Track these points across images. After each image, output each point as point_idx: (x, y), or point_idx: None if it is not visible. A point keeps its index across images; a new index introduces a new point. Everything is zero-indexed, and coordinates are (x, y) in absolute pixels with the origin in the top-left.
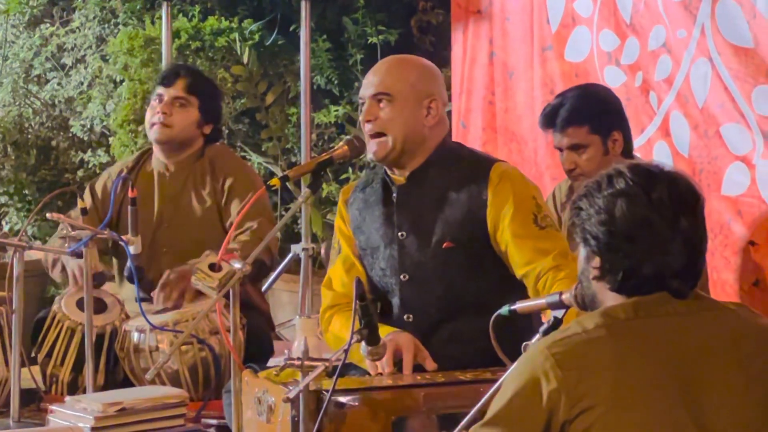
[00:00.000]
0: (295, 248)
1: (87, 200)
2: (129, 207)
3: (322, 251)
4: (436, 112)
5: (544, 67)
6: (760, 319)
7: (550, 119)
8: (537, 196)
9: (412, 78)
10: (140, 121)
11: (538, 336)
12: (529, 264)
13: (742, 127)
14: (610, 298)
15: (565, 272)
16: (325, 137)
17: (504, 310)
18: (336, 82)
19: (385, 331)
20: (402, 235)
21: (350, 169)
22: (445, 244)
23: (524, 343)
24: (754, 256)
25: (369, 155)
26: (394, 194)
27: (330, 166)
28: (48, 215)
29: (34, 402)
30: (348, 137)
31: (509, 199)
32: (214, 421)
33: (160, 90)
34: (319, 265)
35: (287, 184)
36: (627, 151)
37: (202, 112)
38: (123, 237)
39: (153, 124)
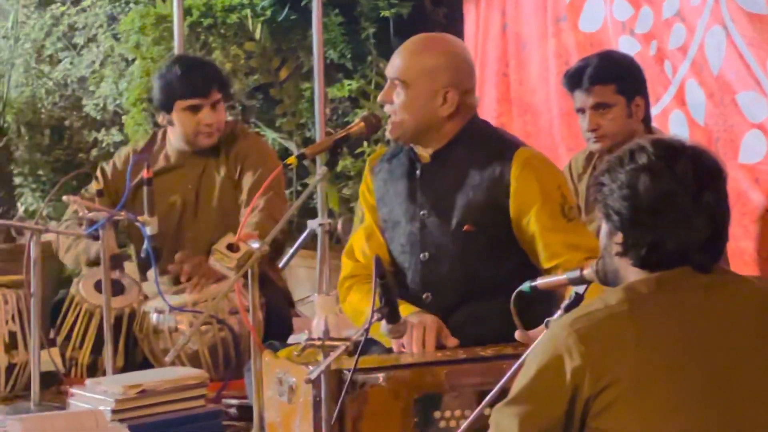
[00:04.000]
0: (312, 224)
1: (100, 182)
2: (145, 187)
3: (339, 226)
4: (453, 101)
5: (558, 38)
6: None
7: (575, 79)
8: (562, 185)
9: (430, 65)
10: None
11: (560, 312)
12: (558, 257)
13: (758, 94)
14: (632, 274)
15: None
16: (339, 111)
17: (525, 286)
18: (349, 56)
19: (406, 311)
20: (424, 214)
21: (365, 143)
22: (465, 227)
23: (546, 319)
24: None
25: (387, 133)
26: (418, 171)
27: (346, 143)
28: (64, 198)
29: (54, 385)
30: (364, 114)
31: (535, 189)
32: (235, 401)
33: (193, 101)
34: (336, 241)
35: (303, 161)
36: (647, 119)
37: (226, 101)
38: (139, 218)
39: (198, 134)
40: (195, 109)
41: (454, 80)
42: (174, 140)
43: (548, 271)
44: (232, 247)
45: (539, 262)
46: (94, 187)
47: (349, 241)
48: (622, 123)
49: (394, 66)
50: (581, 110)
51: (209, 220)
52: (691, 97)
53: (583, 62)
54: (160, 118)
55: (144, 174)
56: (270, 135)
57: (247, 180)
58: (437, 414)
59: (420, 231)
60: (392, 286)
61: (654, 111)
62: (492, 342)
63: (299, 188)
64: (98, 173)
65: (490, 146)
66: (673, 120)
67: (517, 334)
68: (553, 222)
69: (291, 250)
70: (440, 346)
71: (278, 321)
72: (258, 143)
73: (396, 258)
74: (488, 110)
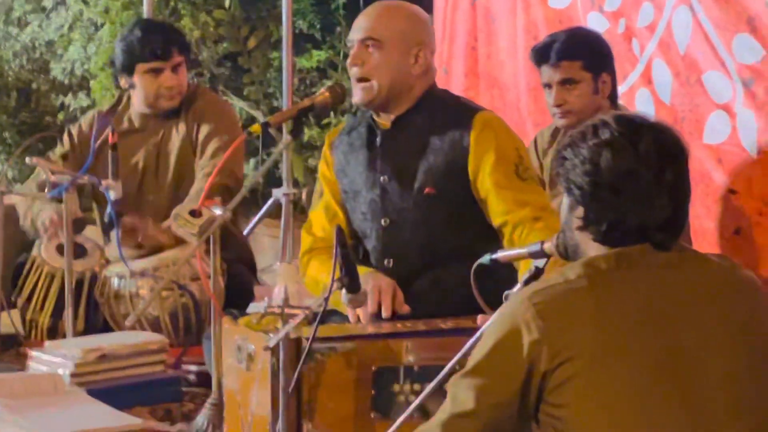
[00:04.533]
0: (276, 193)
1: (66, 145)
2: (109, 151)
3: (303, 196)
4: (423, 60)
5: (527, 13)
6: (741, 271)
7: (543, 54)
8: (520, 148)
9: (401, 25)
10: None
11: (519, 285)
12: (507, 214)
13: (723, 75)
14: (592, 249)
15: (544, 223)
16: (307, 82)
17: (485, 258)
18: (318, 26)
19: (362, 271)
20: (384, 179)
21: (332, 114)
22: (426, 190)
23: (505, 292)
24: (734, 204)
25: (354, 99)
26: (378, 138)
27: (311, 113)
28: (27, 160)
29: (14, 347)
30: (330, 84)
31: (491, 147)
32: (194, 368)
33: (155, 64)
34: (301, 210)
35: (269, 129)
36: (613, 96)
37: (189, 65)
38: (103, 182)
39: (160, 97)
40: (156, 72)
41: (423, 39)
42: (137, 103)
43: (498, 229)
44: (194, 213)
45: (492, 221)
46: (59, 150)
47: (308, 217)
48: (588, 99)
49: (363, 27)
50: (548, 85)
51: (169, 181)
52: (657, 75)
53: (551, 38)
54: (122, 81)
55: (109, 139)
56: (237, 104)
57: (204, 133)
58: (396, 387)
59: (380, 197)
60: (353, 255)
61: (621, 89)
62: (455, 308)
63: (265, 158)
64: (65, 136)
65: (451, 111)
66: (640, 98)
67: (479, 319)
68: (506, 180)
69: (255, 219)
70: (396, 315)
71: (240, 288)
72: (217, 101)
73: (357, 228)
74: (456, 84)
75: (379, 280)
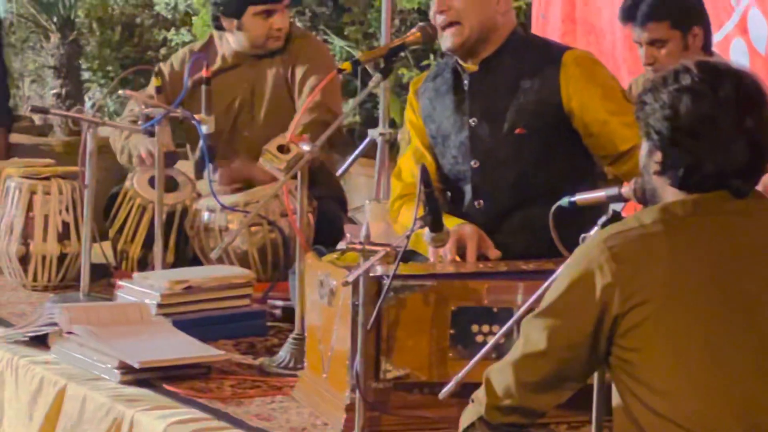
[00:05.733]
0: (372, 132)
1: (158, 81)
2: (203, 86)
3: (399, 136)
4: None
5: None
6: None
7: (630, 13)
8: (615, 77)
9: None
10: None
11: (596, 228)
12: (627, 141)
13: None
14: (670, 194)
15: None
16: (408, 23)
17: (564, 201)
18: None
19: (451, 223)
20: (473, 121)
21: (432, 56)
22: (517, 131)
23: (582, 235)
24: None
25: (445, 45)
26: (466, 81)
27: (402, 51)
28: (121, 92)
29: (104, 277)
30: (421, 23)
31: (592, 81)
32: (280, 303)
33: (269, 6)
34: (397, 150)
35: (367, 68)
36: (706, 46)
37: (299, 10)
38: (195, 116)
39: (269, 38)
40: (268, 14)
41: None
42: (234, 43)
43: (626, 155)
44: (282, 149)
45: (609, 150)
46: (153, 84)
47: (397, 163)
48: (678, 56)
49: None
50: (638, 43)
51: (264, 118)
52: (753, 25)
53: None
54: (227, 23)
55: (203, 73)
56: (337, 43)
57: (300, 74)
58: (475, 327)
59: (470, 139)
60: (436, 195)
61: (715, 38)
62: (545, 249)
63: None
64: (156, 72)
65: (538, 52)
66: (735, 48)
67: None
68: (618, 106)
69: (350, 158)
70: (483, 257)
71: (330, 226)
72: (313, 41)
73: (448, 172)
74: (553, 29)
75: (462, 227)
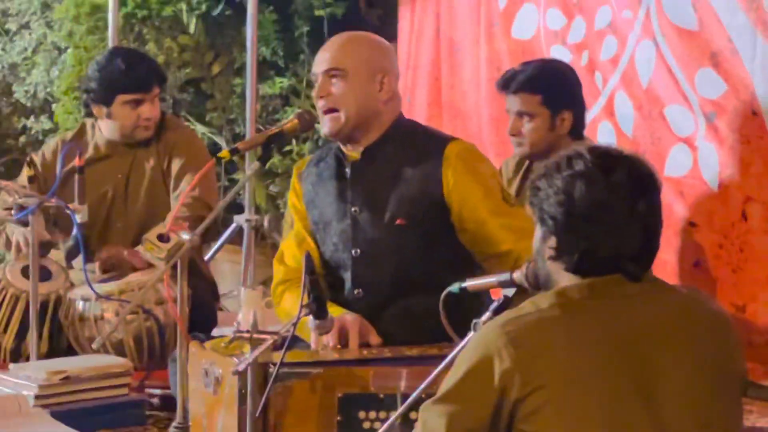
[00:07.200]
0: (238, 219)
1: (30, 171)
2: (76, 175)
3: (265, 223)
4: (389, 87)
5: (490, 44)
6: (711, 304)
7: (506, 82)
8: (496, 174)
9: (364, 53)
10: None
11: (488, 314)
12: (510, 242)
13: (685, 108)
14: (565, 278)
15: None
16: (270, 108)
17: (454, 287)
18: (282, 53)
19: (334, 312)
20: (355, 210)
21: (294, 141)
22: (398, 221)
23: (474, 321)
24: (694, 236)
25: (323, 130)
26: (348, 170)
27: (280, 140)
28: None
29: None
30: (298, 111)
31: (473, 179)
32: (158, 391)
33: (137, 96)
34: (262, 237)
35: (233, 156)
36: (577, 133)
37: (160, 96)
38: (69, 205)
39: (138, 127)
40: (136, 104)
41: (387, 66)
42: (106, 131)
43: (500, 257)
44: (162, 238)
45: (486, 249)
46: (25, 174)
47: (280, 247)
48: (542, 134)
49: (326, 59)
50: (509, 112)
51: (138, 210)
52: (620, 108)
53: (521, 67)
54: (97, 110)
55: (76, 162)
56: (200, 129)
57: (177, 167)
58: (362, 414)
59: (351, 228)
60: (321, 283)
61: None
62: (425, 338)
63: (227, 183)
64: (28, 162)
65: (421, 141)
66: (602, 131)
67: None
68: (497, 207)
69: (216, 245)
70: (365, 344)
71: (203, 313)
72: (187, 133)
73: (329, 259)
74: (419, 113)
75: (344, 316)
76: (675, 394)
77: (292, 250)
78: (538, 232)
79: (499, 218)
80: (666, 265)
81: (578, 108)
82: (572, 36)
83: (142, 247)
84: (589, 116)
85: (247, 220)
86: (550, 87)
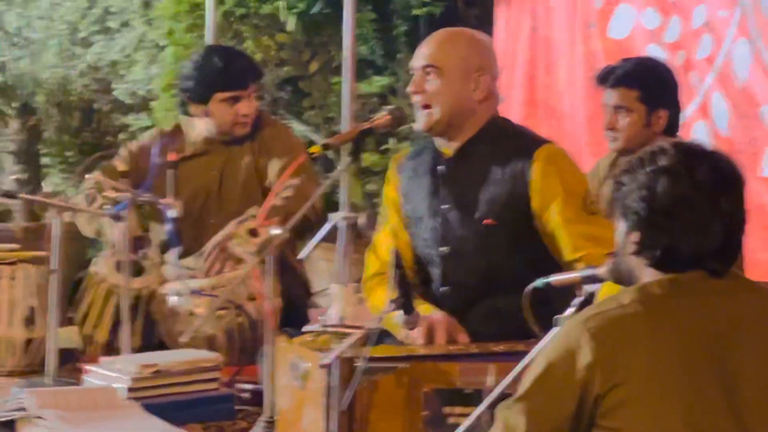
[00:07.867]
0: (333, 217)
1: (125, 162)
2: (169, 171)
3: (362, 221)
4: (484, 85)
5: (586, 44)
6: None
7: (605, 76)
8: (585, 180)
9: (462, 51)
10: None
11: (571, 310)
12: (579, 250)
13: None
14: (646, 274)
15: None
16: (367, 107)
17: (539, 282)
18: (379, 52)
19: (425, 311)
20: (446, 208)
21: (391, 141)
22: (486, 221)
23: (555, 317)
24: None
25: (416, 126)
26: (441, 167)
27: (371, 135)
28: (88, 176)
29: (71, 362)
30: (390, 107)
31: (557, 182)
32: (248, 386)
33: (234, 93)
34: (358, 235)
35: (327, 152)
36: (670, 130)
37: (258, 94)
38: (162, 201)
39: (236, 124)
40: (234, 101)
41: (485, 65)
42: (203, 129)
43: (571, 264)
44: (253, 233)
45: (561, 255)
46: (118, 166)
47: (373, 239)
48: (637, 130)
49: (423, 55)
50: (606, 106)
51: (232, 206)
52: (715, 108)
53: (621, 62)
54: (194, 109)
55: (169, 157)
56: (297, 127)
57: (273, 167)
58: (447, 409)
59: (441, 225)
60: (409, 278)
61: None
62: (510, 337)
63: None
64: (124, 152)
65: (513, 142)
66: (697, 131)
67: None
68: (575, 214)
69: (311, 242)
70: (452, 342)
71: (295, 310)
72: (283, 131)
73: (420, 254)
74: (515, 112)
75: (433, 314)
76: (758, 393)
77: (386, 242)
78: (621, 227)
79: (576, 225)
80: (760, 265)
81: (674, 108)
82: (668, 35)
83: (233, 242)
84: (684, 116)
85: (344, 218)
86: (649, 84)
